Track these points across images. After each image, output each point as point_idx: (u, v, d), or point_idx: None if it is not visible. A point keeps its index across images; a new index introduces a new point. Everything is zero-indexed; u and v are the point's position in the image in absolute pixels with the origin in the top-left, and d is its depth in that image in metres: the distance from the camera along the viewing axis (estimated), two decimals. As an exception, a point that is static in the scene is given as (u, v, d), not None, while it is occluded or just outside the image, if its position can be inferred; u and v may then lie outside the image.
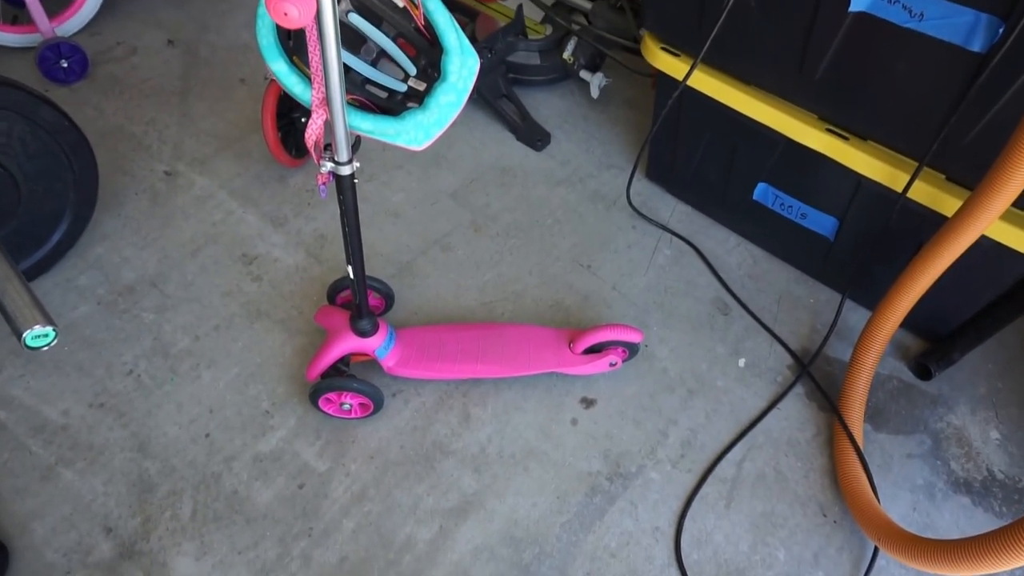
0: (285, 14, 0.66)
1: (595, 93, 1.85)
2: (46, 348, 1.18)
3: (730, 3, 1.22)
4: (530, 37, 1.88)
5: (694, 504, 1.27)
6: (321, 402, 1.31)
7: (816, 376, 1.44)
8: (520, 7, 1.84)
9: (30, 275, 1.49)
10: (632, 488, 1.29)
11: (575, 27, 1.80)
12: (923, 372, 1.45)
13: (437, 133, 1.02)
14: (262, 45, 0.95)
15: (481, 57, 1.79)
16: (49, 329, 1.17)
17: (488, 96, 1.84)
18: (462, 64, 0.99)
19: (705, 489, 1.29)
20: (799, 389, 1.43)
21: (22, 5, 1.84)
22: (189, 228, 1.63)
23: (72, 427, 1.33)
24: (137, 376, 1.40)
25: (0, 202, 1.37)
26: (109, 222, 1.63)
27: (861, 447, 1.30)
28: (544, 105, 1.91)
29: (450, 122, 1.02)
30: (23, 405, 1.35)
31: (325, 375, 1.32)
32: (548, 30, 1.90)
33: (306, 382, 1.38)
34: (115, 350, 1.43)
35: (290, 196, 1.70)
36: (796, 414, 1.39)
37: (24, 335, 1.16)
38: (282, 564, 1.19)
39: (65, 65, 1.87)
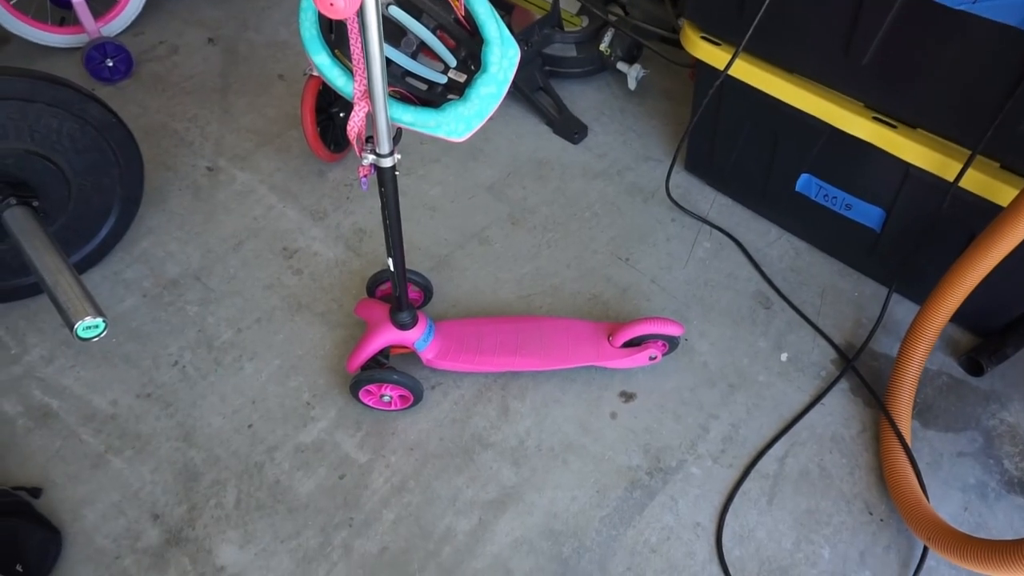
0: (331, 4, 0.66)
1: (632, 85, 1.83)
2: (96, 339, 1.21)
3: (774, -10, 1.20)
4: (566, 29, 1.87)
5: (736, 500, 1.26)
6: (361, 394, 1.32)
7: (861, 371, 1.41)
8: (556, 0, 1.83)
9: (80, 268, 1.53)
10: (672, 483, 1.28)
11: (612, 18, 1.79)
12: (975, 368, 1.41)
13: (478, 124, 1.02)
14: (305, 38, 0.95)
15: (518, 50, 1.78)
16: (99, 320, 1.20)
17: (525, 89, 1.83)
18: (503, 55, 0.99)
19: (747, 485, 1.27)
20: (843, 384, 1.40)
21: (69, 7, 1.88)
22: (231, 222, 1.66)
23: (120, 416, 1.36)
24: (182, 367, 1.42)
25: (51, 197, 1.40)
26: (154, 217, 1.66)
27: (909, 444, 1.27)
28: (581, 97, 1.90)
29: (491, 113, 1.02)
30: (74, 395, 1.39)
31: (365, 367, 1.33)
32: (584, 22, 1.88)
33: (347, 374, 1.39)
34: (161, 342, 1.46)
35: (329, 190, 1.72)
36: (840, 410, 1.37)
37: (76, 326, 1.19)
38: (323, 553, 1.20)
39: (111, 64, 1.91)
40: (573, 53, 1.86)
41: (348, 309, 1.50)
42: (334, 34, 0.99)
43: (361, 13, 0.85)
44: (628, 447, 1.32)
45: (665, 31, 1.70)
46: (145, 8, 2.07)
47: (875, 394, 1.37)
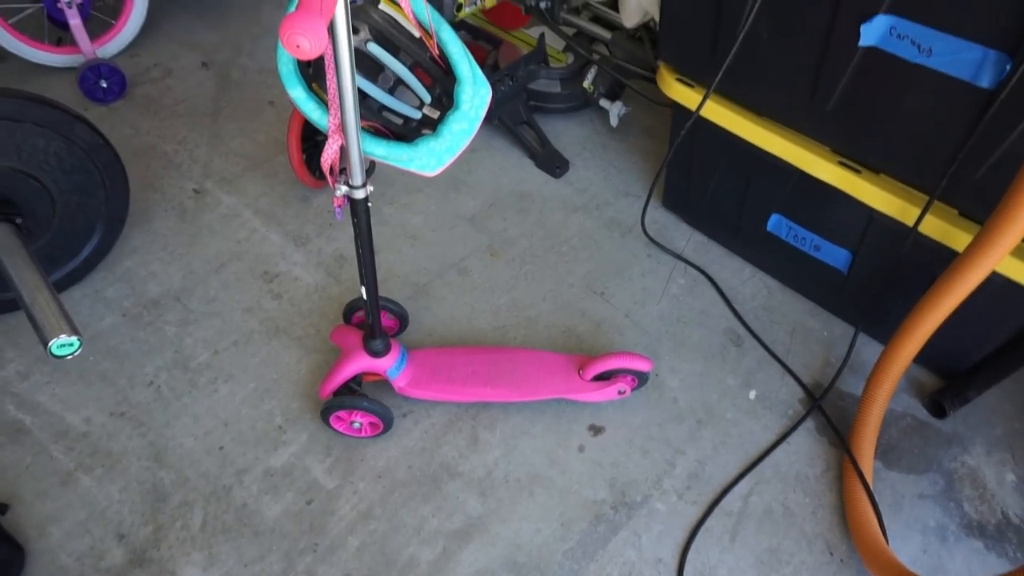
0: (298, 46, 0.69)
1: (614, 121, 1.87)
2: (70, 357, 1.22)
3: (742, 33, 1.24)
4: (552, 65, 1.91)
5: (699, 537, 1.26)
6: (332, 420, 1.33)
7: (828, 411, 1.43)
8: (542, 36, 1.87)
9: (61, 285, 1.55)
10: (637, 518, 1.29)
11: (595, 57, 1.83)
12: (938, 410, 1.43)
13: (449, 160, 1.05)
14: (282, 73, 0.99)
15: (503, 84, 1.83)
16: (74, 339, 1.22)
17: (508, 122, 1.87)
18: (474, 93, 1.02)
19: (710, 522, 1.28)
20: (810, 423, 1.42)
21: (66, 27, 1.93)
22: (215, 245, 1.68)
23: (93, 434, 1.37)
24: (157, 387, 1.44)
25: (36, 215, 1.43)
26: (138, 237, 1.68)
27: (871, 485, 1.29)
28: (564, 132, 1.94)
29: (462, 149, 1.05)
30: (48, 411, 1.40)
31: (337, 393, 1.34)
32: (569, 59, 1.93)
33: (319, 399, 1.40)
34: (138, 361, 1.47)
35: (313, 216, 1.74)
36: (806, 449, 1.38)
37: (50, 344, 1.20)
38: (286, 578, 1.21)
39: (104, 85, 1.95)
40: (557, 89, 1.91)
41: (325, 334, 1.52)
42: (312, 68, 1.02)
43: (334, 51, 0.88)
44: (595, 481, 1.33)
45: (645, 71, 1.75)
46: (142, 30, 2.12)
47: (839, 434, 1.39)
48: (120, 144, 1.86)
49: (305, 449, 1.36)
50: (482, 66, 1.92)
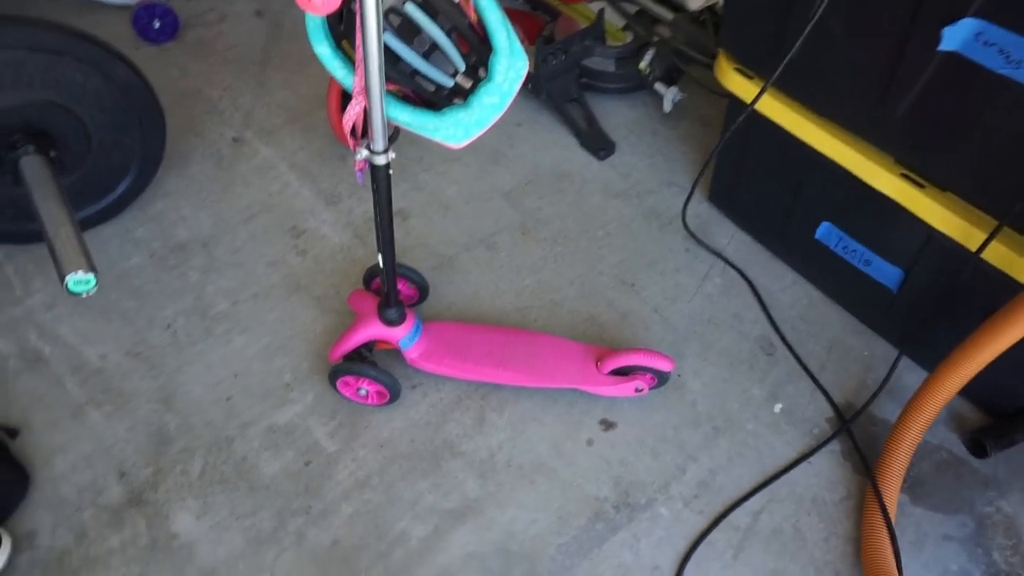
0: (310, 0, 0.64)
1: (667, 107, 1.78)
2: (86, 295, 1.22)
3: (812, 23, 1.15)
4: (609, 43, 1.83)
5: (700, 548, 1.21)
6: (339, 384, 1.31)
7: (856, 434, 1.35)
8: (602, 11, 1.79)
9: (93, 221, 1.56)
10: (638, 520, 1.24)
11: (655, 38, 1.74)
12: (978, 448, 1.33)
13: (477, 133, 1.00)
14: (309, 26, 0.95)
15: (555, 58, 1.76)
16: (91, 276, 1.22)
17: (557, 98, 1.80)
18: (509, 66, 0.97)
19: (715, 535, 1.23)
20: (835, 446, 1.34)
21: (127, -37, 1.92)
22: (247, 195, 1.67)
23: (107, 371, 1.38)
24: (174, 332, 1.44)
25: (71, 149, 1.43)
26: (173, 180, 1.68)
27: (893, 519, 1.21)
28: (614, 113, 1.86)
29: (491, 123, 1.00)
30: (67, 344, 1.42)
31: (348, 358, 1.32)
32: (628, 38, 1.84)
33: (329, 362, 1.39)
34: (158, 303, 1.48)
35: (347, 175, 1.71)
36: (827, 472, 1.31)
37: (67, 278, 1.20)
38: (275, 537, 1.20)
39: (157, 25, 1.94)
40: (612, 68, 1.83)
41: (345, 295, 1.50)
42: (343, 24, 0.98)
43: (362, 8, 0.83)
44: (599, 477, 1.28)
45: (705, 57, 1.66)
46: (201, -27, 2.11)
47: (866, 461, 1.31)
48: (166, 86, 1.86)
49: (310, 410, 1.34)
50: (538, 37, 1.85)
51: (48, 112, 1.37)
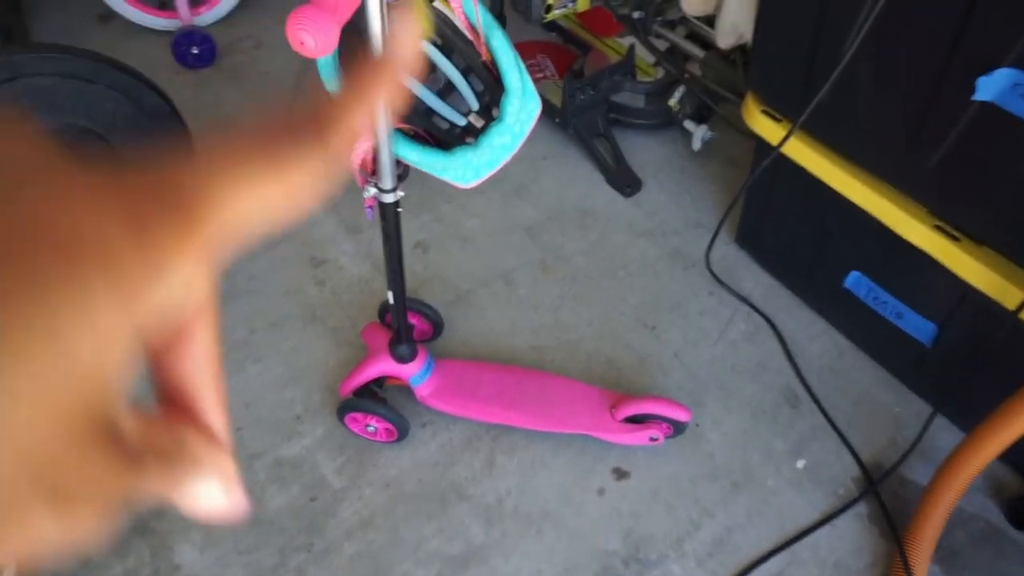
0: (302, 43, 0.63)
1: (697, 145, 1.75)
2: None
3: (840, 68, 1.11)
4: (639, 79, 1.81)
5: (712, 611, 1.15)
6: (347, 419, 1.30)
7: (884, 497, 1.28)
8: (632, 47, 1.77)
9: (119, 245, 1.58)
10: (648, 578, 1.19)
11: (686, 75, 1.72)
12: (1019, 519, 1.25)
13: (487, 173, 0.98)
14: (319, 65, 0.94)
15: (583, 93, 1.74)
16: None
17: (584, 133, 1.78)
18: (521, 107, 0.95)
19: (728, 598, 1.17)
20: (861, 508, 1.27)
21: (171, -8, 1.98)
22: (270, 223, 1.68)
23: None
24: (190, 358, 1.44)
25: (101, 174, 1.45)
26: (201, 205, 1.70)
27: (920, 591, 1.14)
28: (641, 150, 1.83)
29: (501, 164, 0.98)
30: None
31: (358, 393, 1.30)
32: (659, 74, 1.82)
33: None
34: (176, 330, 1.48)
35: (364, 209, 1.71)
36: (852, 536, 1.24)
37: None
38: (276, 574, 1.18)
39: (196, 52, 1.99)
40: (641, 104, 1.80)
41: (360, 328, 1.48)
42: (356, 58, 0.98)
43: (368, 45, 0.83)
44: (609, 529, 1.24)
45: (735, 96, 1.62)
46: (240, 2, 2.15)
47: (894, 527, 1.23)
48: (200, 111, 1.89)
49: (319, 444, 1.33)
50: (568, 70, 1.84)
51: (80, 138, 1.39)
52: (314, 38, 0.62)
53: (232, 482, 0.24)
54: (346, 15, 0.66)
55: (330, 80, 0.95)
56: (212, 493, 0.22)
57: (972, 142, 1.04)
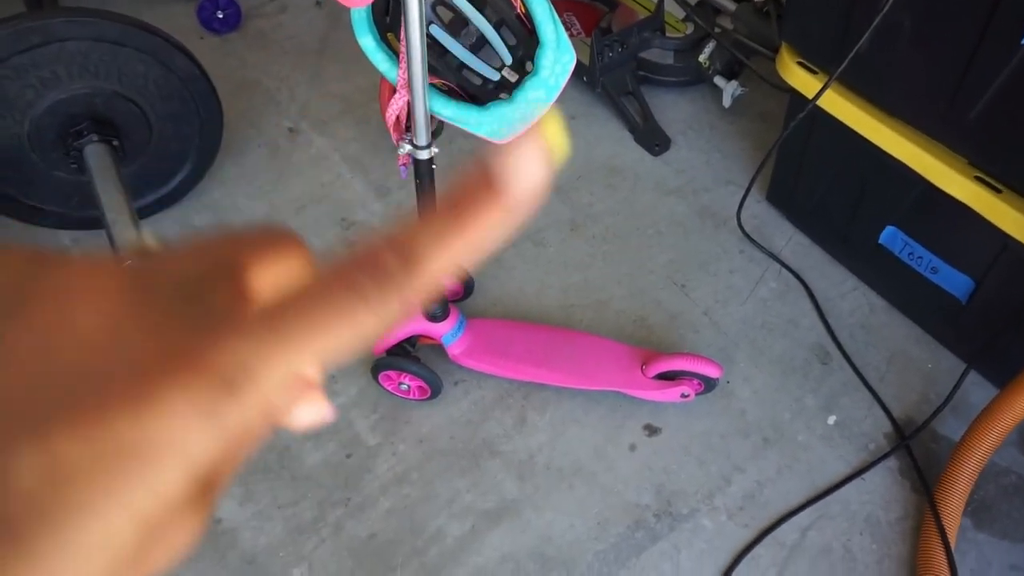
0: (344, -8, 0.63)
1: (727, 102, 1.72)
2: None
3: (881, 15, 1.08)
4: (668, 35, 1.77)
5: (743, 563, 1.17)
6: (381, 377, 1.32)
7: (916, 451, 1.28)
8: (661, 2, 1.74)
9: (152, 209, 1.60)
10: (679, 531, 1.21)
11: (716, 30, 1.68)
12: (1051, 472, 1.24)
13: (521, 128, 0.98)
14: (353, 18, 0.94)
15: (612, 50, 1.72)
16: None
17: (612, 91, 1.76)
18: (556, 59, 0.94)
19: (759, 550, 1.18)
20: (892, 462, 1.27)
21: (195, -44, 1.97)
22: (299, 186, 1.69)
23: (161, 356, 1.42)
24: (225, 319, 1.47)
25: (133, 138, 1.47)
26: (230, 169, 1.72)
27: (953, 544, 1.14)
28: (671, 107, 1.81)
29: (536, 118, 0.97)
30: (125, 328, 1.46)
31: (391, 352, 1.32)
32: (689, 29, 1.78)
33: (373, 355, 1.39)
34: (211, 291, 1.51)
35: (398, 168, 1.71)
36: (883, 490, 1.24)
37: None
38: (315, 527, 1.21)
39: (221, 16, 1.98)
40: (670, 61, 1.77)
41: (391, 289, 1.50)
42: (389, 17, 0.97)
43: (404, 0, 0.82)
44: (641, 484, 1.25)
45: (767, 50, 1.59)
46: (264, -35, 2.13)
47: (925, 480, 1.24)
48: (226, 76, 1.89)
49: (353, 402, 1.35)
50: (596, 27, 1.81)
51: (111, 102, 1.40)
52: (355, -14, 0.62)
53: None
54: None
55: (362, 32, 0.95)
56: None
57: (1016, 92, 1.01)
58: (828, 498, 1.23)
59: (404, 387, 1.32)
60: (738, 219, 1.56)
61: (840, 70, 1.15)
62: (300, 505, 1.24)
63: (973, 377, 1.35)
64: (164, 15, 2.04)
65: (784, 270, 1.52)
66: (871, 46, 1.12)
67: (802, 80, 1.29)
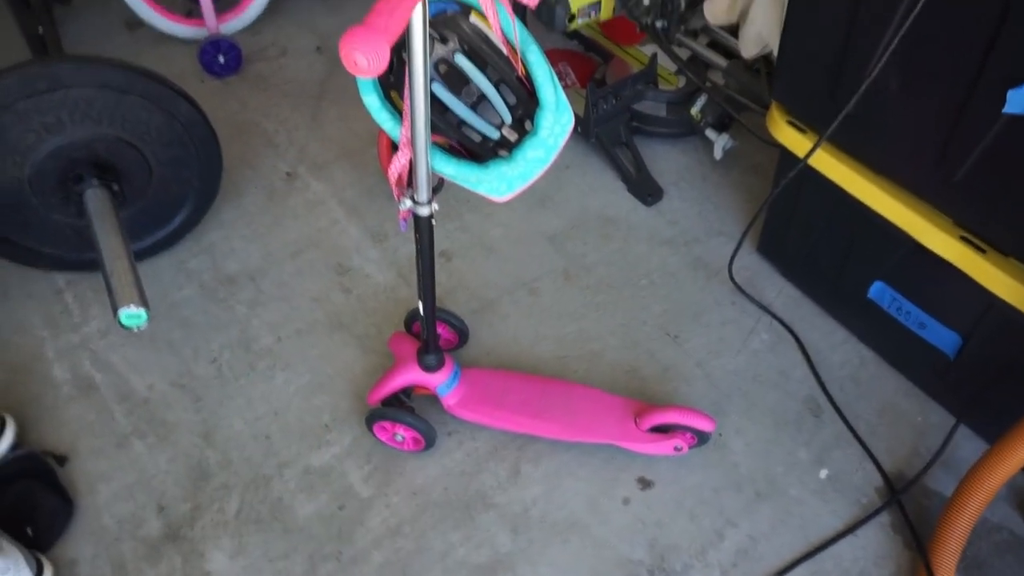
0: (355, 63, 0.65)
1: (718, 154, 1.76)
2: (137, 329, 1.26)
3: (868, 80, 1.11)
4: (661, 87, 1.82)
5: (738, 621, 1.16)
6: (375, 428, 1.31)
7: (908, 506, 1.28)
8: (655, 56, 1.78)
9: (150, 252, 1.61)
10: (673, 586, 1.20)
11: (707, 84, 1.72)
12: (1041, 528, 1.25)
13: (521, 187, 1.00)
14: (358, 78, 0.96)
15: (606, 102, 1.75)
16: (142, 311, 1.25)
17: (606, 142, 1.80)
18: (555, 121, 0.96)
19: (753, 607, 1.18)
20: (884, 518, 1.28)
21: (197, 1, 2.00)
22: (295, 230, 1.70)
23: (153, 401, 1.41)
24: (219, 365, 1.46)
25: (133, 182, 1.48)
26: (228, 211, 1.73)
27: (946, 602, 1.14)
28: (663, 158, 1.84)
29: (535, 177, 0.99)
30: (117, 372, 1.45)
31: (385, 402, 1.32)
32: (680, 82, 1.83)
33: (367, 404, 1.39)
34: (205, 336, 1.51)
35: (394, 214, 1.73)
36: (875, 546, 1.25)
37: (120, 312, 1.24)
38: (306, 581, 1.20)
39: (222, 60, 2.01)
40: (663, 113, 1.81)
41: (386, 336, 1.50)
42: (393, 76, 0.99)
43: (409, 64, 0.84)
44: (634, 538, 1.25)
45: (758, 106, 1.63)
46: (266, 9, 2.17)
47: (917, 536, 1.24)
48: (226, 118, 1.92)
49: (347, 452, 1.35)
50: (591, 79, 1.85)
51: (113, 146, 1.42)
52: (367, 58, 0.64)
53: None
54: (396, 35, 0.68)
55: (367, 92, 0.97)
56: None
57: (1001, 155, 1.04)
58: (821, 554, 1.23)
59: (399, 438, 1.31)
60: (730, 271, 1.58)
61: (830, 131, 1.19)
62: (291, 559, 1.22)
63: (963, 431, 1.36)
64: (166, 57, 2.08)
65: (775, 322, 1.53)
66: (860, 107, 1.16)
67: (792, 139, 1.32)
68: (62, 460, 1.34)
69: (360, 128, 1.93)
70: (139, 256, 1.54)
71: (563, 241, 1.68)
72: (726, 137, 1.74)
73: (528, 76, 0.98)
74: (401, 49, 0.86)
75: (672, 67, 1.85)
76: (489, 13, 0.92)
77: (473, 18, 0.96)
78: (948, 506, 1.21)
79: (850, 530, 1.26)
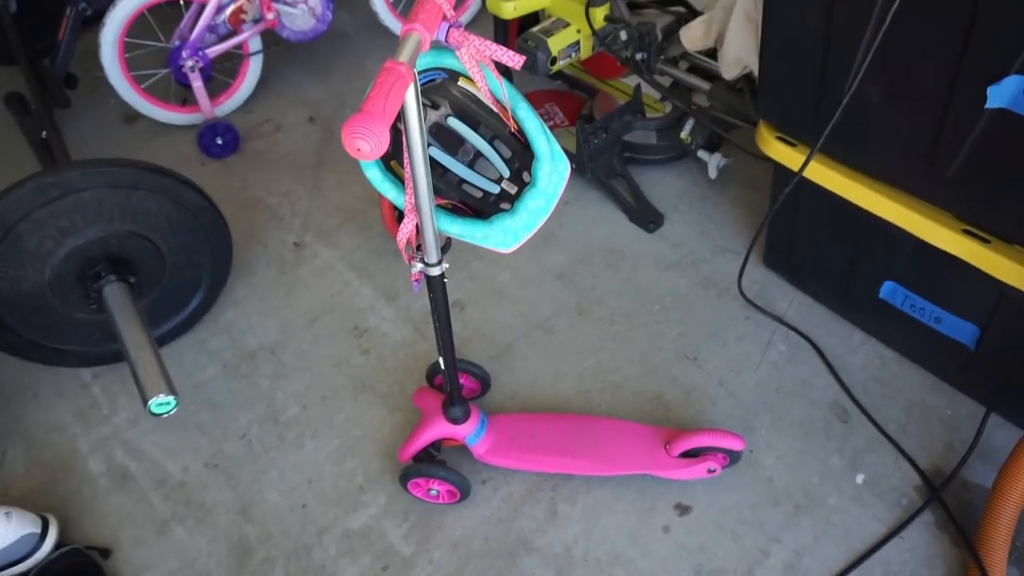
0: (358, 149, 0.68)
1: (713, 173, 1.79)
2: (167, 415, 1.28)
3: (848, 94, 1.14)
4: (648, 115, 1.86)
5: (794, 639, 1.15)
6: (410, 486, 1.33)
7: (949, 503, 1.28)
8: (638, 86, 1.83)
9: (169, 337, 1.64)
10: (725, 611, 1.19)
11: (693, 107, 1.76)
12: (1087, 509, 1.24)
13: (525, 237, 1.02)
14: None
15: (596, 137, 1.79)
16: (172, 398, 1.28)
17: (602, 175, 1.83)
18: (552, 170, 0.99)
19: (808, 623, 1.17)
20: (927, 516, 1.27)
21: (192, 88, 2.07)
22: (309, 298, 1.73)
23: (189, 484, 1.43)
24: (249, 441, 1.48)
25: (148, 272, 1.52)
26: (241, 288, 1.76)
27: (1001, 596, 1.13)
28: (660, 184, 1.88)
29: (539, 226, 1.02)
30: (151, 458, 1.47)
31: (417, 458, 1.33)
32: (667, 108, 1.87)
33: (399, 462, 1.40)
34: (232, 414, 1.53)
35: (403, 271, 1.76)
36: (922, 546, 1.24)
37: (150, 403, 1.27)
38: (359, 648, 1.20)
39: (220, 142, 2.07)
40: (654, 140, 1.85)
41: (409, 392, 1.52)
42: (391, 146, 1.03)
43: (407, 136, 0.88)
44: (679, 566, 1.25)
45: (745, 123, 1.66)
46: (256, 88, 2.24)
47: (964, 532, 1.23)
48: (230, 197, 1.97)
49: (384, 512, 1.35)
50: (579, 116, 1.90)
51: (126, 241, 1.46)
52: (369, 144, 0.67)
53: None
54: (393, 116, 0.71)
55: (368, 166, 1.00)
56: None
57: (990, 147, 1.07)
58: (869, 561, 1.23)
59: (433, 492, 1.32)
60: (739, 286, 1.60)
61: (819, 144, 1.21)
62: (341, 625, 1.23)
63: (994, 419, 1.36)
64: (166, 145, 2.14)
65: (791, 331, 1.54)
66: (846, 116, 1.18)
67: (783, 154, 1.35)
68: (106, 553, 1.35)
69: (360, 191, 1.98)
70: (160, 341, 1.58)
71: (571, 277, 1.71)
72: (718, 156, 1.77)
73: (520, 131, 1.02)
74: (397, 120, 0.90)
75: (657, 95, 1.89)
76: (476, 76, 0.95)
77: (461, 82, 1.00)
78: (991, 497, 1.20)
79: (894, 533, 1.25)
